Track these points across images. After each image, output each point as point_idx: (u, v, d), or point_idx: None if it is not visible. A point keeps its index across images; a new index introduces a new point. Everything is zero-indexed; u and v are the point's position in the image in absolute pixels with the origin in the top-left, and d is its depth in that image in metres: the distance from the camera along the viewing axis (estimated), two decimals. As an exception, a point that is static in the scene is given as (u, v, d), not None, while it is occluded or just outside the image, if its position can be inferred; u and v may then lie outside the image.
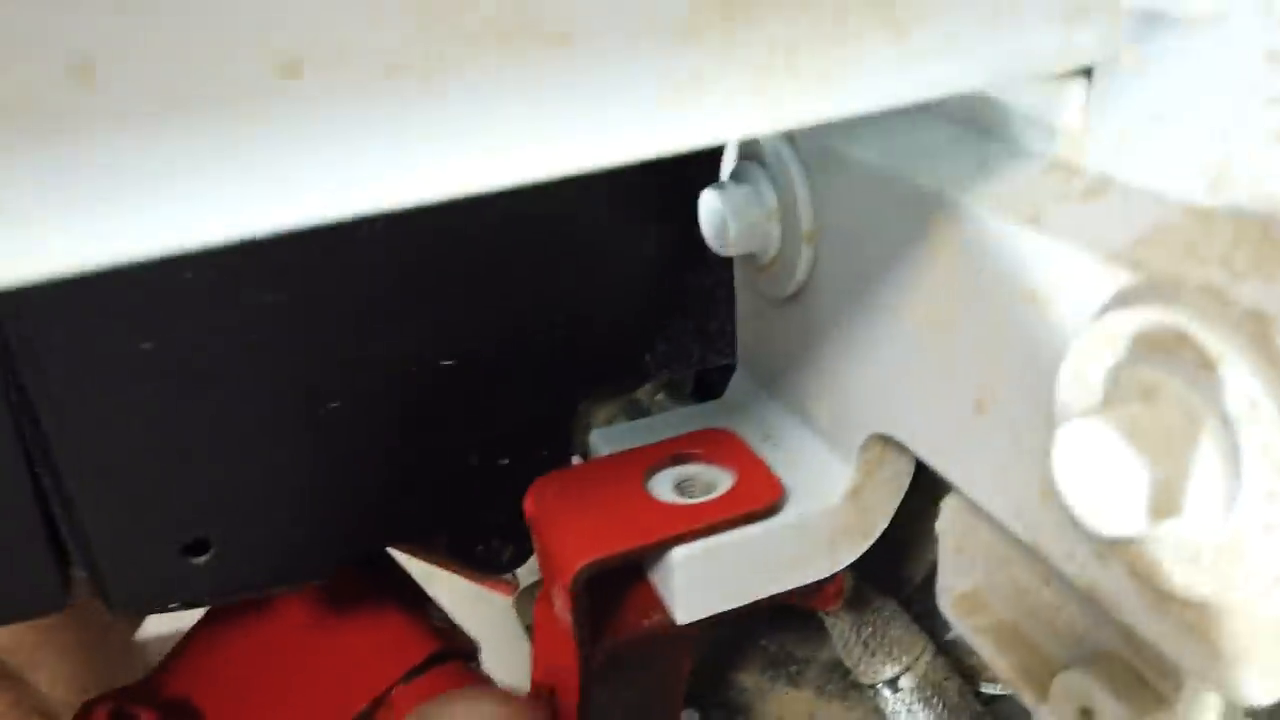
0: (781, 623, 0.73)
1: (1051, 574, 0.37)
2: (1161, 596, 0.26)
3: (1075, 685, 0.34)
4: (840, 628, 0.59)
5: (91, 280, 0.45)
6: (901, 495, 0.44)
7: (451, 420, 0.52)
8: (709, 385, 0.70)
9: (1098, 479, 0.23)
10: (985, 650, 0.39)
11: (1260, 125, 0.22)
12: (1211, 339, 0.21)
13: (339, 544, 0.54)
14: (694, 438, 0.47)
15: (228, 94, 0.14)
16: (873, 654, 0.59)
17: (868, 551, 0.52)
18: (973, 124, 0.31)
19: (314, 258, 0.46)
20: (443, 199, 0.18)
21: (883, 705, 0.61)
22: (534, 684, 0.49)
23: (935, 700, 0.60)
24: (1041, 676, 0.37)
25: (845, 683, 0.71)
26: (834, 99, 0.21)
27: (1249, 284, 0.22)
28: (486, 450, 0.55)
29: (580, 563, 0.40)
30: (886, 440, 0.40)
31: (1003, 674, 0.39)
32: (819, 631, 0.67)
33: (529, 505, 0.45)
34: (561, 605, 0.42)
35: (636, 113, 0.18)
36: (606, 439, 0.49)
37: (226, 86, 0.14)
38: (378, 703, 0.69)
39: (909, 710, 0.60)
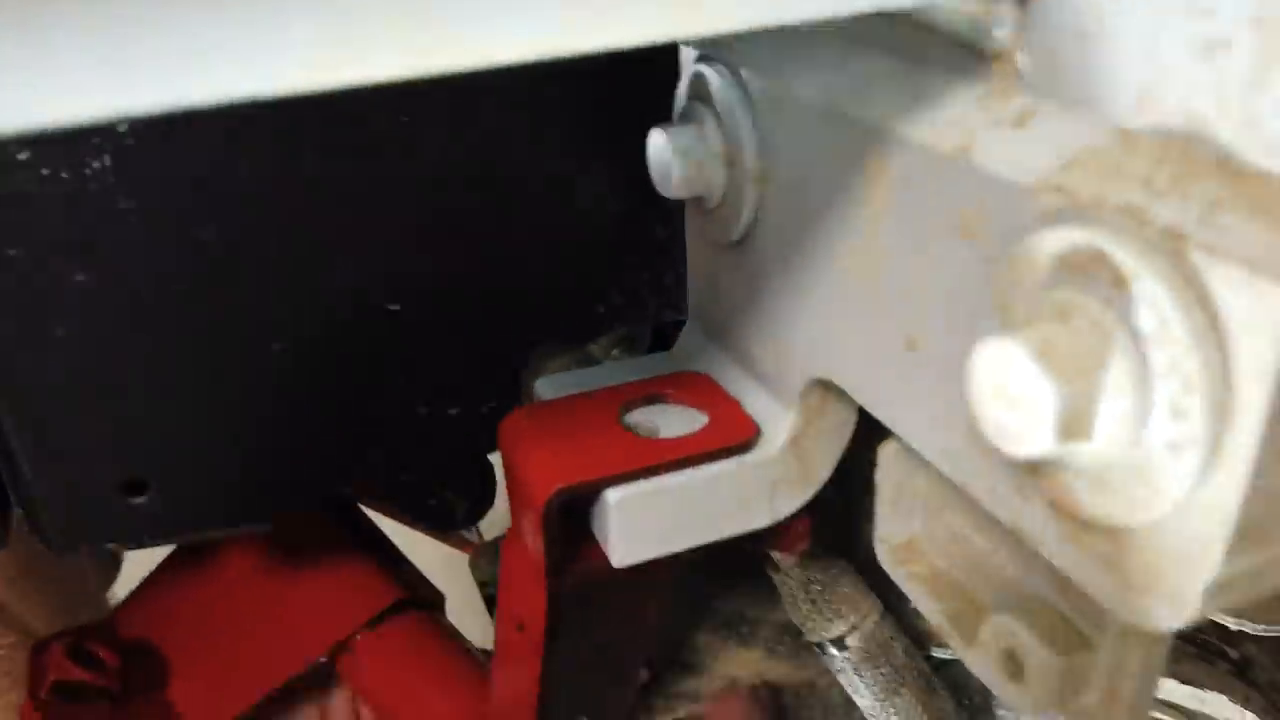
0: (735, 584, 0.73)
1: (983, 520, 0.37)
2: (1077, 528, 0.25)
3: (1002, 629, 0.33)
4: (789, 585, 0.59)
5: (23, 208, 0.44)
6: (844, 445, 0.44)
7: (399, 366, 0.52)
8: (667, 342, 0.70)
9: (1008, 399, 0.23)
10: (918, 597, 0.39)
11: (1184, 37, 0.21)
12: (1126, 257, 0.21)
13: (282, 489, 0.53)
14: (669, 379, 0.46)
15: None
16: (820, 612, 0.59)
17: (821, 511, 0.52)
18: (911, 54, 0.30)
19: (254, 195, 0.45)
20: (302, 91, 0.17)
21: (829, 663, 0.61)
22: (503, 620, 0.49)
23: (881, 660, 0.60)
24: (971, 622, 0.37)
25: (796, 643, 0.71)
26: (749, 6, 0.20)
27: (1168, 203, 0.21)
28: (435, 399, 0.54)
29: (554, 487, 0.39)
30: (828, 387, 0.40)
31: (934, 620, 0.38)
32: (772, 593, 0.67)
33: (502, 434, 0.44)
34: (532, 533, 0.42)
35: (522, 8, 0.17)
36: (550, 387, 0.48)
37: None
38: (340, 648, 0.69)
39: (855, 669, 0.60)
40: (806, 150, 0.35)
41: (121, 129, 0.43)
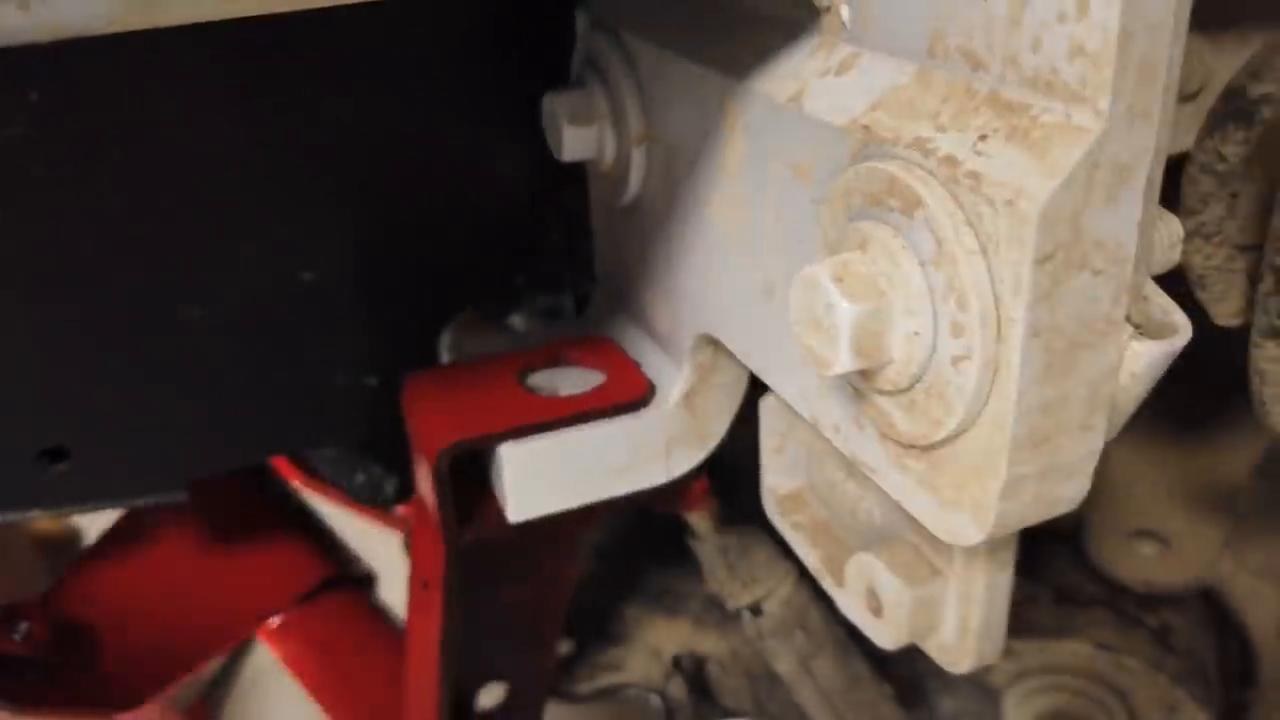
0: (665, 559, 0.75)
1: (852, 467, 0.38)
2: (899, 451, 0.27)
3: (863, 567, 0.35)
4: (706, 552, 0.60)
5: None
6: (737, 404, 0.45)
7: (314, 336, 0.53)
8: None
9: (815, 324, 0.24)
10: (797, 545, 0.41)
11: (961, -18, 0.23)
12: (911, 186, 0.23)
13: (202, 457, 0.54)
14: (570, 342, 0.48)
15: None
16: (736, 577, 0.60)
17: (739, 480, 0.53)
18: (761, 11, 0.32)
19: (165, 163, 0.46)
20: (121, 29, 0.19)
21: (747, 630, 0.62)
22: (412, 580, 0.50)
23: (797, 625, 0.62)
24: (842, 566, 0.38)
25: (723, 615, 0.72)
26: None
27: (949, 135, 0.23)
28: (351, 369, 0.55)
29: (447, 442, 0.41)
30: (717, 345, 0.42)
31: (811, 566, 0.40)
32: (698, 567, 0.69)
33: (404, 395, 0.46)
34: (428, 489, 0.43)
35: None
36: (457, 352, 0.49)
37: None
38: (271, 624, 0.70)
39: (772, 633, 0.61)
40: (681, 110, 0.37)
41: (34, 97, 0.44)
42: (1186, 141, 0.35)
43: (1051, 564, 0.73)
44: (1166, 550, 0.70)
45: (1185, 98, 0.39)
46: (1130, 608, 0.74)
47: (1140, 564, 0.70)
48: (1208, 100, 0.38)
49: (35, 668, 0.65)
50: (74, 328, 0.48)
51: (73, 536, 1.03)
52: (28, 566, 0.89)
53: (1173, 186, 0.36)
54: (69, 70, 0.44)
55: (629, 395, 0.43)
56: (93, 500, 0.55)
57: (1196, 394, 0.65)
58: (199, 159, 0.47)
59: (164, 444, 0.52)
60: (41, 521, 0.92)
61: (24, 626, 0.65)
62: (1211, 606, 0.76)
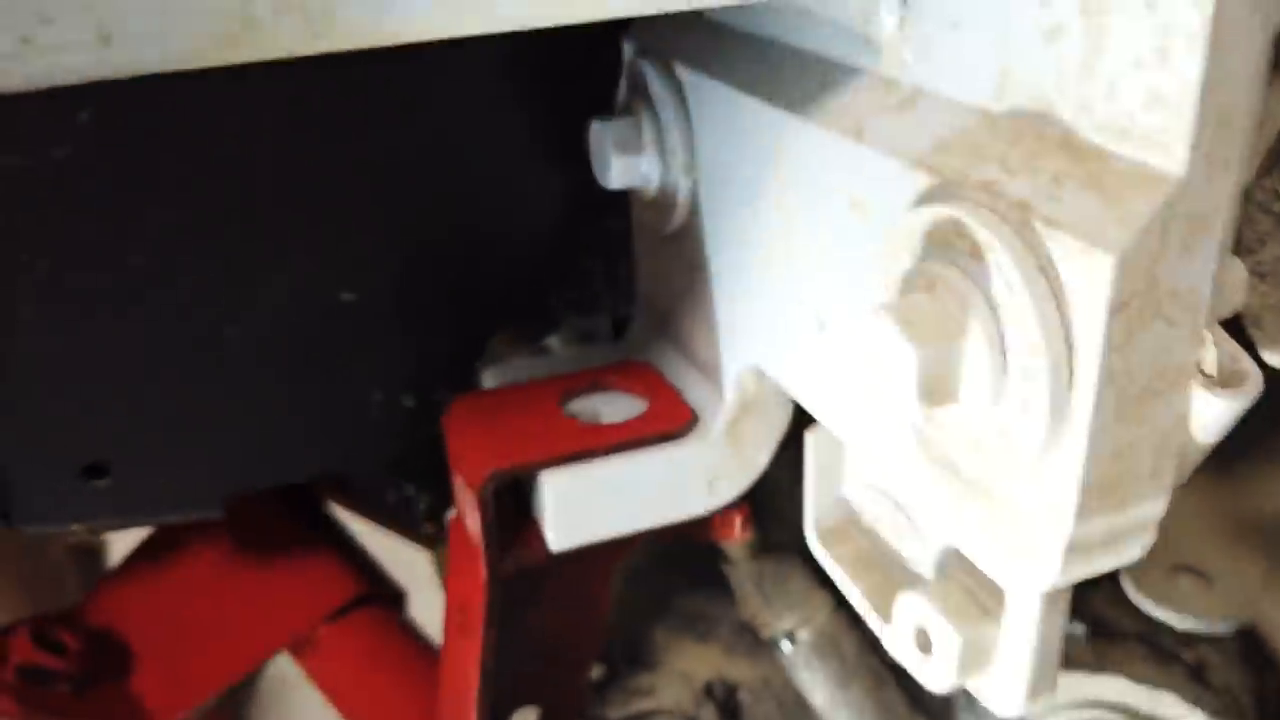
0: (696, 582, 0.74)
1: (900, 501, 0.38)
2: (959, 493, 0.27)
3: (911, 606, 0.34)
4: (739, 578, 0.60)
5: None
6: (782, 432, 0.45)
7: (352, 356, 0.53)
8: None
9: (886, 367, 0.24)
10: (840, 578, 0.40)
11: (1034, 25, 0.23)
12: (982, 229, 0.22)
13: (240, 475, 0.54)
14: (611, 368, 0.48)
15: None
16: (769, 605, 0.60)
17: (776, 505, 0.53)
18: (817, 46, 0.32)
19: (209, 184, 0.46)
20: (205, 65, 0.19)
21: (781, 658, 0.62)
22: (449, 606, 0.50)
23: (832, 654, 0.61)
24: (889, 603, 0.38)
25: (755, 641, 0.72)
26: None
27: (1019, 179, 0.23)
28: (389, 388, 0.55)
29: (490, 469, 0.41)
30: (762, 375, 0.41)
31: (854, 600, 0.39)
32: (731, 592, 0.68)
33: (446, 420, 0.46)
34: (471, 515, 0.43)
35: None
36: (497, 376, 0.49)
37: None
38: (302, 641, 0.70)
39: (806, 663, 0.61)
40: (731, 140, 0.37)
41: (83, 118, 0.44)
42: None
43: (1088, 597, 0.72)
44: (1206, 586, 0.69)
45: (1242, 133, 0.39)
46: (1167, 643, 0.73)
47: (1179, 599, 0.69)
48: (1266, 138, 0.37)
49: (67, 680, 0.65)
50: (117, 346, 0.49)
51: (99, 545, 1.04)
52: (64, 573, 0.90)
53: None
54: (118, 91, 0.44)
55: (671, 424, 0.43)
56: (131, 516, 0.55)
57: (1240, 429, 0.64)
58: (242, 180, 0.47)
59: (203, 462, 0.53)
60: (75, 532, 0.93)
61: (56, 638, 0.66)
62: (1250, 644, 0.75)
